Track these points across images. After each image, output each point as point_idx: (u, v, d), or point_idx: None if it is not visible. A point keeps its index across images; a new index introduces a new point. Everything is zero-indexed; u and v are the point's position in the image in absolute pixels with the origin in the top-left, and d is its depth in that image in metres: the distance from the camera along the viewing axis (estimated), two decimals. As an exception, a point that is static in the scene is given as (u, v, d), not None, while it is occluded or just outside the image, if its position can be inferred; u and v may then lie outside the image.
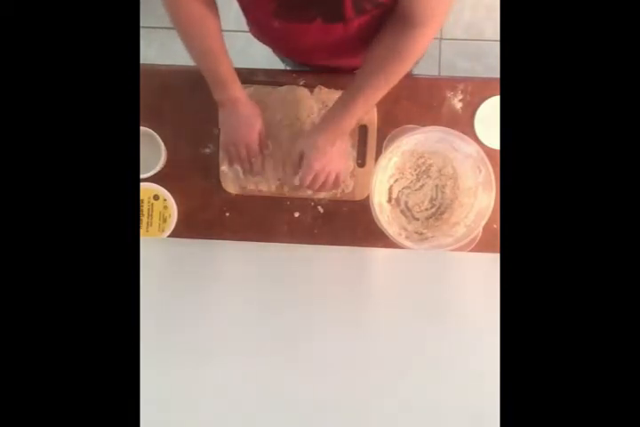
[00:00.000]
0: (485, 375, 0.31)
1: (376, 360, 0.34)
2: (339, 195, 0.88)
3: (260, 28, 0.81)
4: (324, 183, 0.81)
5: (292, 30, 0.74)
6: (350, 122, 0.76)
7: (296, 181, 0.83)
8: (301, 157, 0.79)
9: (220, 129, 0.84)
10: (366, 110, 0.77)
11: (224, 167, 0.87)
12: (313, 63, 0.90)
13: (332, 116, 0.77)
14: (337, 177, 0.82)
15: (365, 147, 0.88)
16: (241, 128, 0.81)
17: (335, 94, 0.87)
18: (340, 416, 0.28)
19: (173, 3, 0.72)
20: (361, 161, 0.88)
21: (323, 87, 0.87)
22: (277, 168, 0.88)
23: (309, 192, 0.86)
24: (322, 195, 0.88)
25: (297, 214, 0.89)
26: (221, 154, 0.87)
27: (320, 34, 0.73)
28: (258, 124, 0.82)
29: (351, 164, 0.88)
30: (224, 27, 0.74)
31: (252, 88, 0.87)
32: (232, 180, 0.88)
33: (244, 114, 0.80)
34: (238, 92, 0.79)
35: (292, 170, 0.84)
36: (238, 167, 0.85)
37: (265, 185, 0.88)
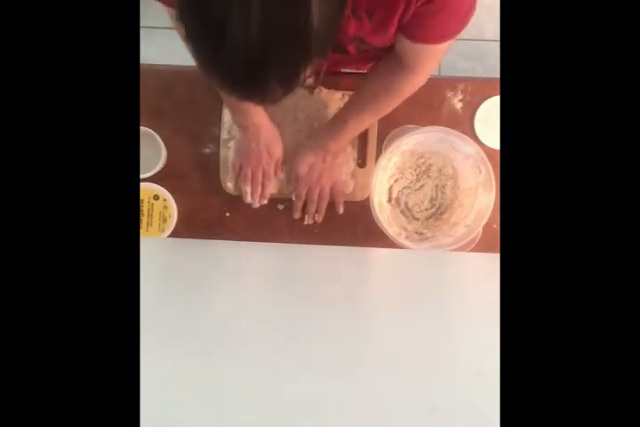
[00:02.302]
0: (485, 375, 0.31)
1: (376, 360, 0.34)
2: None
3: None
4: (321, 195, 0.85)
5: None
6: (340, 143, 0.81)
7: (293, 197, 0.85)
8: (294, 174, 0.84)
9: (234, 144, 0.86)
10: (354, 135, 0.81)
11: (229, 184, 0.87)
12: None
13: (322, 136, 0.81)
14: (333, 188, 0.85)
15: (366, 147, 0.87)
16: (262, 153, 0.83)
17: (335, 95, 0.87)
18: (340, 416, 0.28)
19: None
20: (361, 161, 0.88)
21: (323, 88, 0.87)
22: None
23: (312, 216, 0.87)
24: (341, 211, 0.88)
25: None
26: (230, 172, 0.87)
27: (323, 68, 0.76)
28: (278, 151, 0.84)
29: (352, 164, 0.88)
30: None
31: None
32: (232, 181, 0.88)
33: (267, 139, 0.82)
34: (262, 116, 0.81)
35: (288, 188, 0.86)
36: (248, 189, 0.85)
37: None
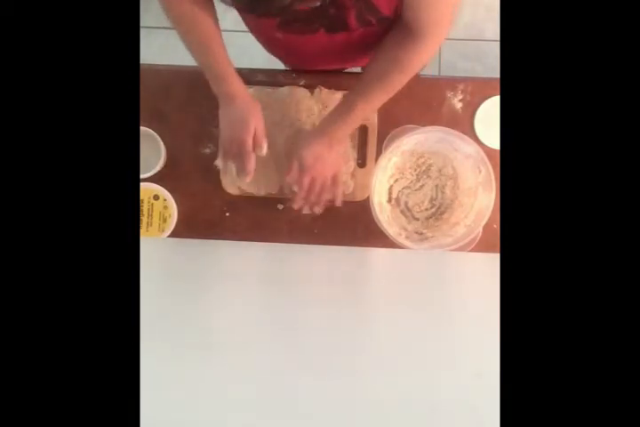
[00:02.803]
0: (485, 375, 0.31)
1: (376, 360, 0.34)
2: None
3: (264, 39, 0.80)
4: (324, 186, 0.81)
5: (295, 41, 0.74)
6: (347, 129, 0.76)
7: (294, 188, 0.81)
8: (298, 163, 0.79)
9: (218, 125, 0.83)
10: (364, 118, 0.77)
11: (218, 162, 0.85)
12: (315, 69, 0.90)
13: (329, 122, 0.77)
14: (334, 179, 0.82)
15: (366, 147, 0.87)
16: (236, 124, 0.79)
17: (335, 95, 0.87)
18: (339, 416, 0.28)
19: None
20: (361, 161, 0.88)
21: (323, 88, 0.87)
22: (278, 169, 0.88)
23: (306, 209, 0.84)
24: (339, 203, 0.87)
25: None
26: (220, 149, 0.86)
27: (323, 43, 0.73)
28: (253, 122, 0.78)
29: (352, 164, 0.88)
30: (224, 27, 0.74)
31: (252, 89, 0.87)
32: (232, 180, 0.88)
33: (240, 110, 0.78)
34: (236, 87, 0.77)
35: (287, 178, 0.82)
36: (232, 166, 0.83)
37: (265, 188, 0.88)
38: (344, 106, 0.75)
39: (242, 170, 0.82)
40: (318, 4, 0.51)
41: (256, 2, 0.45)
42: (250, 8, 0.45)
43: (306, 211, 0.83)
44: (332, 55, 0.79)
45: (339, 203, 0.83)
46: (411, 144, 0.83)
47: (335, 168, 0.81)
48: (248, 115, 0.78)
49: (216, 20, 0.73)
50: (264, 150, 0.80)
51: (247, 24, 0.78)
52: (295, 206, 0.82)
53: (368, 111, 0.75)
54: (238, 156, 0.80)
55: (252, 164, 0.80)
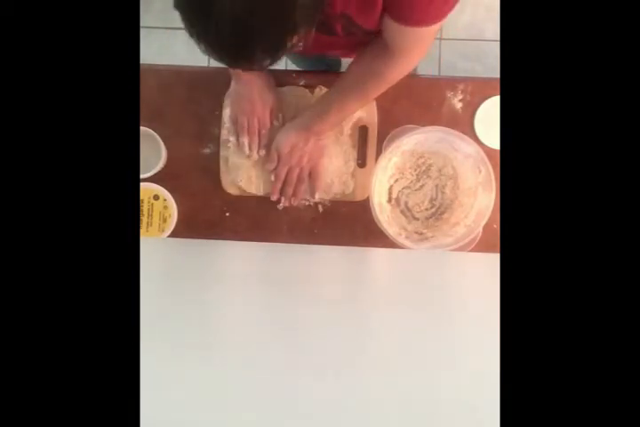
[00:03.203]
0: (485, 375, 0.31)
1: (376, 360, 0.34)
2: (338, 196, 0.88)
3: None
4: (300, 177, 0.83)
5: None
6: (322, 126, 0.79)
7: (271, 177, 0.84)
8: (276, 152, 0.82)
9: (229, 101, 0.84)
10: (340, 120, 0.80)
11: (232, 138, 0.86)
12: (306, 53, 0.90)
13: (307, 116, 0.79)
14: (314, 172, 0.84)
15: (366, 147, 0.87)
16: (256, 100, 0.81)
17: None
18: (339, 416, 0.28)
19: None
20: (361, 161, 0.88)
21: (323, 87, 0.87)
22: None
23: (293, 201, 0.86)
24: (316, 197, 0.87)
25: (280, 206, 0.89)
26: (228, 126, 0.86)
27: (312, 40, 0.74)
28: (272, 97, 0.82)
29: (352, 164, 0.88)
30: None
31: (252, 88, 0.87)
32: (232, 180, 0.87)
33: (258, 87, 0.80)
34: None
35: (267, 166, 0.84)
36: (245, 140, 0.84)
37: (265, 188, 0.88)
38: (321, 104, 0.78)
39: (258, 144, 0.84)
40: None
41: (236, 64, 0.48)
42: (228, 65, 0.50)
43: (283, 203, 0.85)
44: (319, 49, 0.80)
45: (315, 197, 0.85)
46: (411, 144, 0.83)
47: (314, 161, 0.83)
48: (268, 91, 0.81)
49: None
50: (278, 123, 0.83)
51: None
52: (272, 198, 0.85)
53: (343, 113, 0.78)
54: (256, 131, 0.83)
55: (264, 138, 0.83)
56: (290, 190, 0.84)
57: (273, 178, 0.84)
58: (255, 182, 0.87)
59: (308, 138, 0.81)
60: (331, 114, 0.77)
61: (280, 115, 0.86)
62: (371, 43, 0.72)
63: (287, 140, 0.81)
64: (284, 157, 0.81)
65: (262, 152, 0.85)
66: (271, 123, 0.84)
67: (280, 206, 0.86)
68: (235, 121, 0.84)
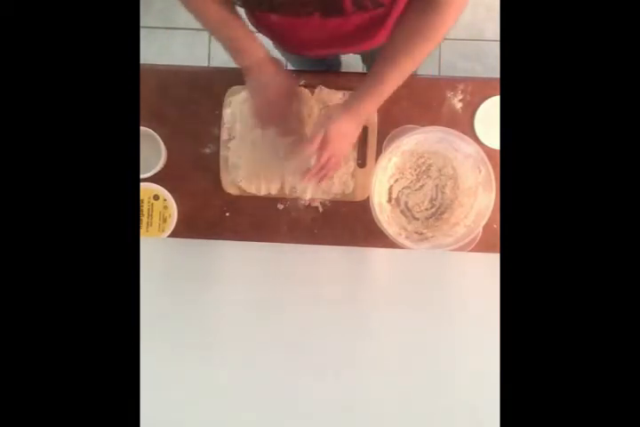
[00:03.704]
0: (485, 375, 0.31)
1: (376, 360, 0.34)
2: (339, 196, 0.88)
3: (258, 21, 0.80)
4: (336, 163, 0.81)
5: (289, 24, 0.74)
6: (376, 102, 0.76)
7: (312, 161, 0.80)
8: (323, 136, 0.77)
9: (250, 95, 0.82)
10: (390, 91, 0.76)
11: (260, 130, 0.85)
12: (307, 54, 0.89)
13: (358, 97, 0.76)
14: (337, 161, 0.81)
15: (366, 147, 0.88)
16: (272, 88, 0.79)
17: (336, 94, 0.87)
18: (339, 416, 0.28)
19: None
20: (361, 161, 0.88)
21: (323, 87, 0.87)
22: (279, 169, 0.88)
23: (308, 192, 0.85)
24: (319, 194, 0.87)
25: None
26: (228, 126, 0.86)
27: (318, 27, 0.73)
28: (288, 81, 0.80)
29: (352, 164, 0.88)
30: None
31: (252, 88, 0.87)
32: (232, 180, 0.88)
33: (272, 74, 0.78)
34: (261, 51, 0.77)
35: (308, 149, 0.80)
36: (273, 128, 0.83)
37: (265, 188, 0.88)
38: (372, 79, 0.74)
39: (287, 130, 0.82)
40: None
41: None
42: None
43: (312, 182, 0.83)
44: (325, 40, 0.79)
45: (323, 183, 0.85)
46: (411, 144, 0.83)
47: (351, 147, 0.82)
48: (280, 76, 0.79)
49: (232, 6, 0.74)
50: (313, 159, 0.81)
51: (242, 5, 0.77)
52: (305, 180, 0.81)
53: (396, 81, 0.74)
54: (283, 118, 0.81)
55: (295, 122, 0.82)
56: (325, 173, 0.81)
57: (312, 162, 0.80)
58: (255, 182, 0.87)
59: (359, 123, 0.78)
60: (385, 83, 0.73)
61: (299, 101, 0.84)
62: (409, 3, 0.69)
63: (338, 126, 0.76)
64: (332, 143, 0.77)
65: (290, 139, 0.82)
66: (295, 107, 0.82)
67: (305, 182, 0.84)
68: (260, 113, 0.82)
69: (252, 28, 0.80)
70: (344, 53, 0.90)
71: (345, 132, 0.77)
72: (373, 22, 0.72)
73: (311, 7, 0.68)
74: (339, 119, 0.76)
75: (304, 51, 0.88)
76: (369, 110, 0.76)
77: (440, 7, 0.66)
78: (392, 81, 0.73)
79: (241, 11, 0.78)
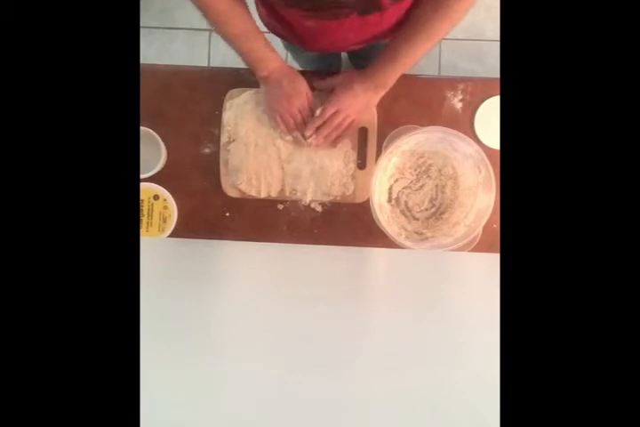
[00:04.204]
0: (485, 375, 0.31)
1: (376, 360, 0.34)
2: (339, 198, 0.87)
3: (291, 29, 0.80)
4: (341, 123, 0.82)
5: (326, 27, 0.74)
6: (392, 75, 0.77)
7: (317, 112, 0.82)
8: (332, 91, 0.80)
9: (268, 103, 0.84)
10: (406, 68, 0.78)
11: (289, 137, 0.86)
12: (342, 51, 0.90)
13: (374, 67, 0.78)
14: (351, 125, 0.83)
15: (365, 149, 0.87)
16: (291, 94, 0.81)
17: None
18: (340, 416, 0.28)
19: None
20: (361, 162, 0.88)
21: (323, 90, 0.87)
22: (279, 173, 0.87)
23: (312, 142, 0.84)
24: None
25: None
26: (229, 129, 0.87)
27: (356, 26, 0.74)
28: (303, 86, 0.82)
29: (352, 166, 0.87)
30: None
31: (252, 91, 0.87)
32: (232, 183, 0.87)
33: (288, 80, 0.80)
34: (278, 61, 0.79)
35: (317, 101, 0.83)
36: (298, 134, 0.84)
37: (265, 191, 0.88)
38: (388, 53, 0.76)
39: (307, 132, 0.83)
40: None
41: None
42: None
43: (311, 141, 0.84)
44: (362, 37, 0.79)
45: (335, 146, 0.85)
46: (411, 144, 0.83)
47: (362, 113, 0.82)
48: (296, 81, 0.81)
49: (247, 7, 0.75)
50: (319, 111, 0.82)
51: (273, 15, 0.78)
52: (307, 133, 0.83)
53: (412, 58, 0.76)
54: (303, 122, 0.82)
55: (313, 127, 0.82)
56: (326, 131, 0.83)
57: (318, 113, 0.82)
58: (255, 185, 0.87)
59: (373, 88, 0.79)
60: (400, 59, 0.75)
61: (318, 100, 0.85)
62: None
63: (348, 86, 0.79)
64: (339, 101, 0.80)
65: (313, 138, 0.83)
66: (312, 109, 0.83)
67: (309, 141, 0.84)
68: (278, 120, 0.83)
69: (263, 28, 0.80)
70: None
71: (355, 92, 0.79)
72: (408, 9, 0.72)
73: (348, 8, 0.68)
74: (349, 77, 0.79)
75: (336, 49, 0.88)
76: (383, 80, 0.78)
77: None
78: (406, 57, 0.75)
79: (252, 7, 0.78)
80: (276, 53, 0.78)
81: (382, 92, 0.81)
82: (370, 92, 0.80)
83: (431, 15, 0.71)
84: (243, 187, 0.87)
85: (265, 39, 0.77)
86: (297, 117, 0.83)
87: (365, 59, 0.87)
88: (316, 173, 0.87)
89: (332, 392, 0.30)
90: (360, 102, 0.81)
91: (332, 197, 0.87)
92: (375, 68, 0.78)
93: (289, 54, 1.15)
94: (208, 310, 0.43)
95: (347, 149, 0.87)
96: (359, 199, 0.88)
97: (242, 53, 0.77)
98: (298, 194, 0.88)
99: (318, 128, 0.83)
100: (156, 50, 1.62)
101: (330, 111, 0.81)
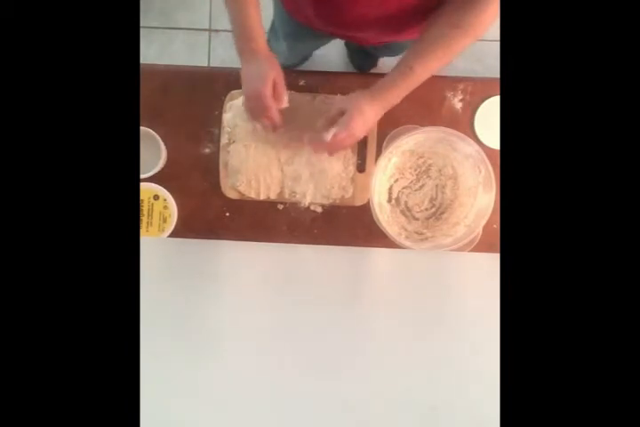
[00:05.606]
0: (485, 375, 0.31)
1: (376, 360, 0.34)
2: (338, 201, 0.87)
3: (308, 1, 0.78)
4: (346, 146, 0.80)
5: (344, 1, 0.72)
6: (401, 94, 0.75)
7: (327, 136, 0.77)
8: (341, 114, 0.77)
9: (242, 82, 0.80)
10: (417, 84, 0.75)
11: (258, 125, 0.84)
12: (359, 38, 0.87)
13: (383, 86, 0.75)
14: (353, 140, 0.80)
15: (365, 152, 0.87)
16: (255, 79, 0.78)
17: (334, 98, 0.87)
18: (340, 415, 0.28)
19: None
20: (361, 162, 0.88)
21: (293, 92, 0.86)
22: (278, 175, 0.87)
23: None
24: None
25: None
26: (229, 130, 0.86)
27: (374, 5, 0.71)
28: (271, 74, 0.77)
29: (352, 169, 0.87)
30: (228, 27, 0.74)
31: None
32: (231, 185, 0.87)
33: (259, 64, 0.77)
34: (261, 45, 0.77)
35: (325, 123, 0.79)
36: (264, 123, 0.81)
37: (265, 193, 0.88)
38: (400, 71, 0.73)
39: (267, 126, 0.81)
40: None
41: None
42: None
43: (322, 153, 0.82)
44: (380, 21, 0.76)
45: (328, 138, 0.80)
46: (411, 144, 0.83)
47: (364, 134, 0.79)
48: (266, 68, 0.77)
49: None
50: (284, 103, 0.79)
51: None
52: (315, 151, 0.82)
53: (425, 76, 0.73)
54: (261, 111, 0.79)
55: (275, 117, 0.79)
56: (334, 149, 0.80)
57: (328, 137, 0.77)
58: (254, 187, 0.87)
59: (379, 111, 0.76)
60: (413, 77, 0.72)
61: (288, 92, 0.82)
62: None
63: (359, 109, 0.75)
64: (350, 126, 0.75)
65: (280, 129, 0.81)
66: (277, 103, 0.79)
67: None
68: (245, 105, 0.81)
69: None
70: (395, 41, 0.87)
71: (366, 116, 0.76)
72: (427, 6, 0.70)
73: None
74: (362, 99, 0.75)
75: (353, 32, 0.84)
76: (392, 100, 0.75)
77: (479, 1, 0.64)
78: (420, 75, 0.72)
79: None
80: (263, 38, 0.77)
81: (388, 109, 0.79)
82: (379, 113, 0.77)
83: (448, 32, 0.69)
84: (242, 188, 0.87)
85: (259, 20, 0.75)
86: (255, 104, 0.79)
87: (367, 59, 0.86)
88: (316, 176, 0.87)
89: (332, 392, 0.30)
90: (369, 125, 0.78)
91: (331, 200, 0.87)
92: (385, 90, 0.75)
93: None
94: (208, 309, 0.43)
95: (346, 153, 0.87)
96: (358, 202, 0.88)
97: (233, 23, 0.75)
98: (297, 196, 0.88)
99: (329, 148, 0.80)
100: (155, 50, 1.62)
101: (341, 136, 0.77)
